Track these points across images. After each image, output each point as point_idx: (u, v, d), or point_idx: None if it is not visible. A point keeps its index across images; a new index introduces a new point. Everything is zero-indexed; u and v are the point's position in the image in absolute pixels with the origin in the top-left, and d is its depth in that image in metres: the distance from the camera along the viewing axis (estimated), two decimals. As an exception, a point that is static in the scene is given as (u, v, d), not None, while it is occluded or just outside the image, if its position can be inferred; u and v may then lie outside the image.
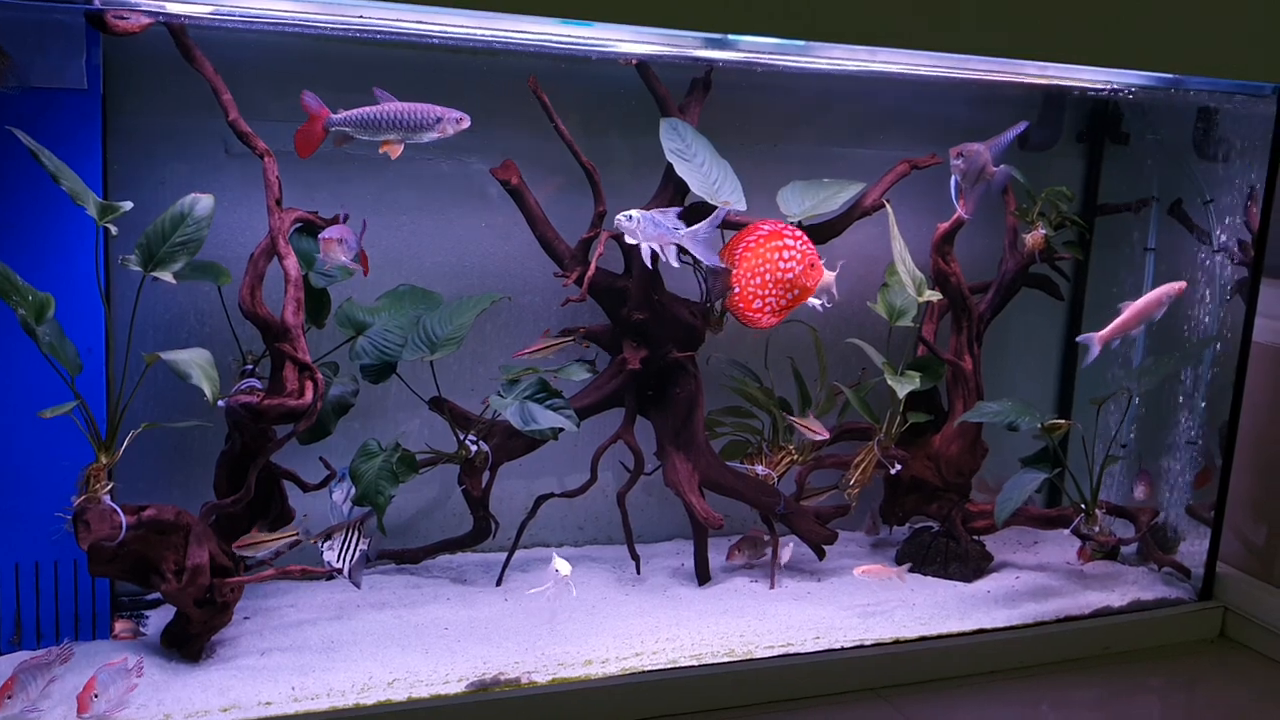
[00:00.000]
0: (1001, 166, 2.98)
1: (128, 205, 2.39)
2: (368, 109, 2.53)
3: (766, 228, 2.97)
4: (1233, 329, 3.31)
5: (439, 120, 2.55)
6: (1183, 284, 3.21)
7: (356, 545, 2.68)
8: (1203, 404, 3.47)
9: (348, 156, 2.62)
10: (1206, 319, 3.46)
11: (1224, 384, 3.34)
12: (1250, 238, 3.28)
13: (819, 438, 3.17)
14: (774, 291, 2.96)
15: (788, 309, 3.02)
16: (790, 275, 2.96)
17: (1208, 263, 3.45)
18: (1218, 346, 3.39)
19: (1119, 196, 3.69)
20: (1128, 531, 3.50)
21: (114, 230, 2.39)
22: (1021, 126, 3.04)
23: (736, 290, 2.97)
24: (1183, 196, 3.53)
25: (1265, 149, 3.21)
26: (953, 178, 2.97)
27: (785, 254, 2.96)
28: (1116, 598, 3.28)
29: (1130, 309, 3.18)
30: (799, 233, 3.00)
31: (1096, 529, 3.30)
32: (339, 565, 2.67)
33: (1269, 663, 3.20)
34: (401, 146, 2.56)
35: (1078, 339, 3.27)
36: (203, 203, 2.50)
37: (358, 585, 2.74)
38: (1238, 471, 3.35)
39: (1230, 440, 3.32)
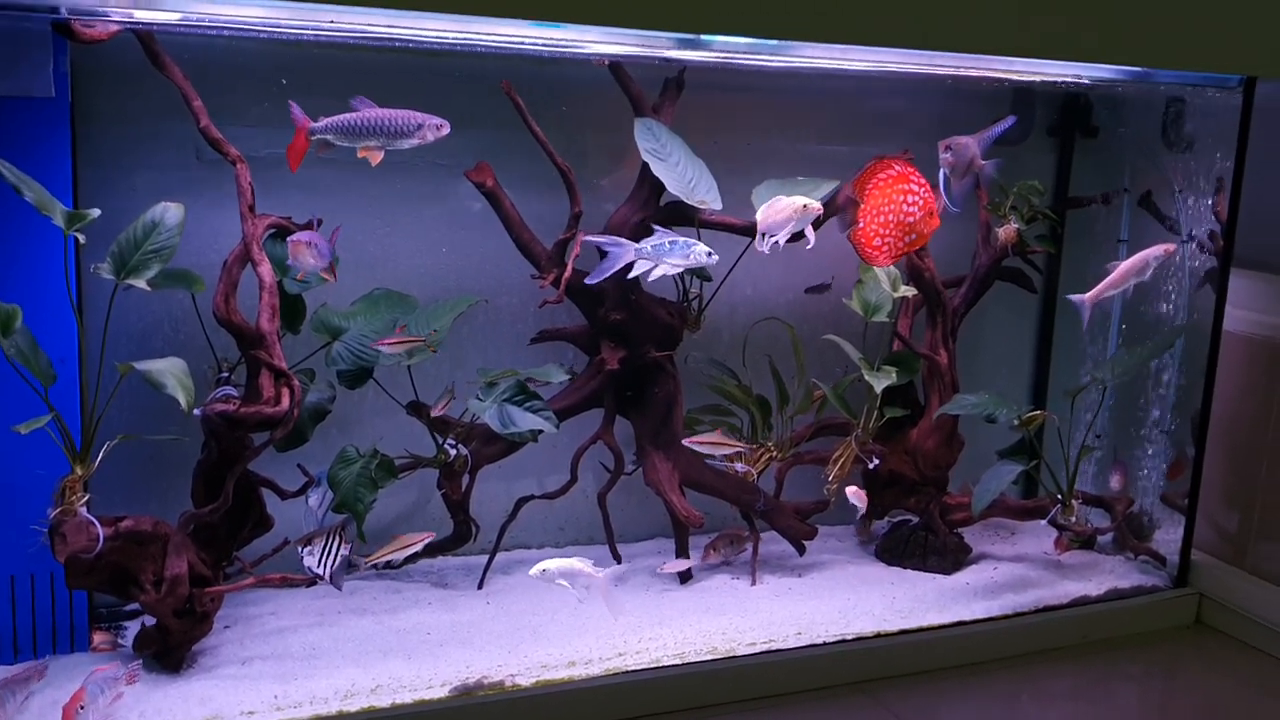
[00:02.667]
0: (989, 160, 3.01)
1: (95, 213, 2.36)
2: (348, 115, 2.52)
3: (896, 168, 2.99)
4: (1203, 318, 3.35)
5: (419, 126, 2.55)
6: (1172, 246, 3.21)
7: (338, 550, 2.68)
8: (1175, 393, 3.50)
9: (321, 161, 2.61)
10: (1177, 309, 3.49)
11: (1195, 373, 3.37)
12: (1220, 228, 3.32)
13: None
14: (894, 233, 2.98)
15: (902, 253, 3.04)
16: (911, 220, 2.97)
17: (1178, 253, 3.48)
18: (1188, 335, 3.43)
19: (1090, 190, 3.72)
20: (1104, 521, 3.53)
21: (82, 239, 2.36)
22: (1010, 121, 3.06)
23: (860, 225, 2.99)
24: (1152, 188, 3.56)
25: (1233, 140, 3.24)
26: (941, 171, 2.98)
27: (909, 198, 2.97)
28: (1094, 587, 3.31)
29: (1118, 269, 3.17)
30: (923, 179, 3.01)
31: (1073, 519, 3.32)
32: (319, 570, 2.66)
33: (1244, 647, 3.24)
34: (382, 153, 2.55)
35: (1068, 296, 3.26)
36: (173, 211, 2.49)
37: (339, 588, 2.73)
38: (1210, 459, 3.38)
39: (1202, 429, 3.36)
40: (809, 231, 2.94)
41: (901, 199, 2.98)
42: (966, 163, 2.98)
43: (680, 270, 2.86)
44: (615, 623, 2.80)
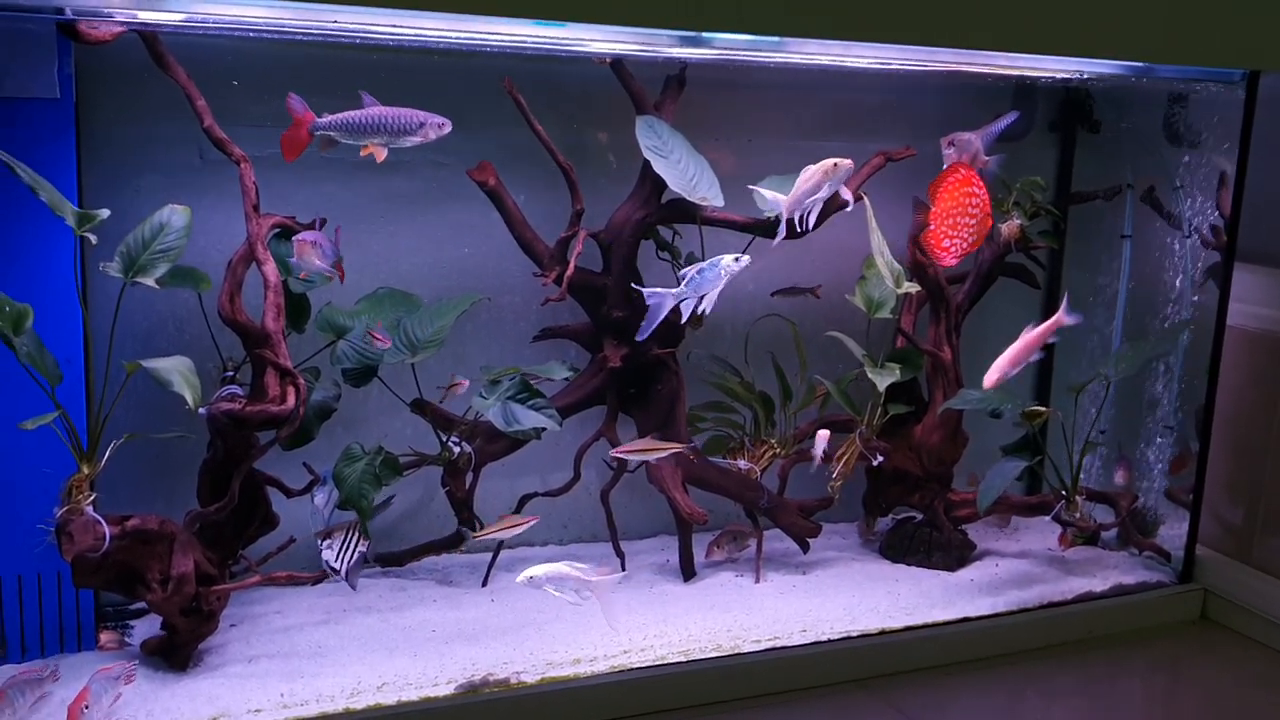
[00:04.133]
0: (992, 156, 3.01)
1: (105, 213, 2.38)
2: (352, 113, 2.53)
3: (962, 172, 3.04)
4: (1207, 313, 3.35)
5: (422, 125, 2.56)
6: (1068, 319, 3.06)
7: (355, 546, 2.69)
8: (1179, 388, 3.50)
9: (324, 160, 2.62)
10: (1182, 304, 3.49)
11: (1199, 368, 3.37)
12: (1223, 222, 3.32)
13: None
14: (962, 234, 3.06)
15: (966, 253, 3.12)
16: (974, 221, 3.06)
17: (1181, 248, 3.48)
18: (1191, 330, 3.43)
19: (1092, 185, 3.72)
20: (1108, 517, 3.53)
21: (94, 239, 2.38)
22: (1013, 116, 3.06)
23: (931, 227, 3.05)
24: (1155, 183, 3.55)
25: (1236, 134, 3.24)
26: (944, 167, 2.99)
27: (973, 200, 3.05)
28: (1098, 583, 3.31)
29: (1018, 347, 3.02)
30: (982, 183, 3.07)
31: (1077, 515, 3.32)
32: (337, 565, 2.67)
33: (1249, 643, 3.24)
34: (385, 151, 2.56)
35: (965, 394, 3.17)
36: (180, 214, 2.50)
37: (353, 587, 2.74)
38: (1215, 454, 3.38)
39: (1206, 423, 3.36)
40: (844, 191, 2.90)
41: (967, 201, 3.03)
42: (970, 158, 2.99)
43: (721, 287, 2.81)
44: (617, 633, 2.79)
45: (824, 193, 2.89)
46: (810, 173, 2.88)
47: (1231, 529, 3.45)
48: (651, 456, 3.00)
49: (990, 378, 2.84)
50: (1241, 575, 3.35)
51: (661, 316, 2.78)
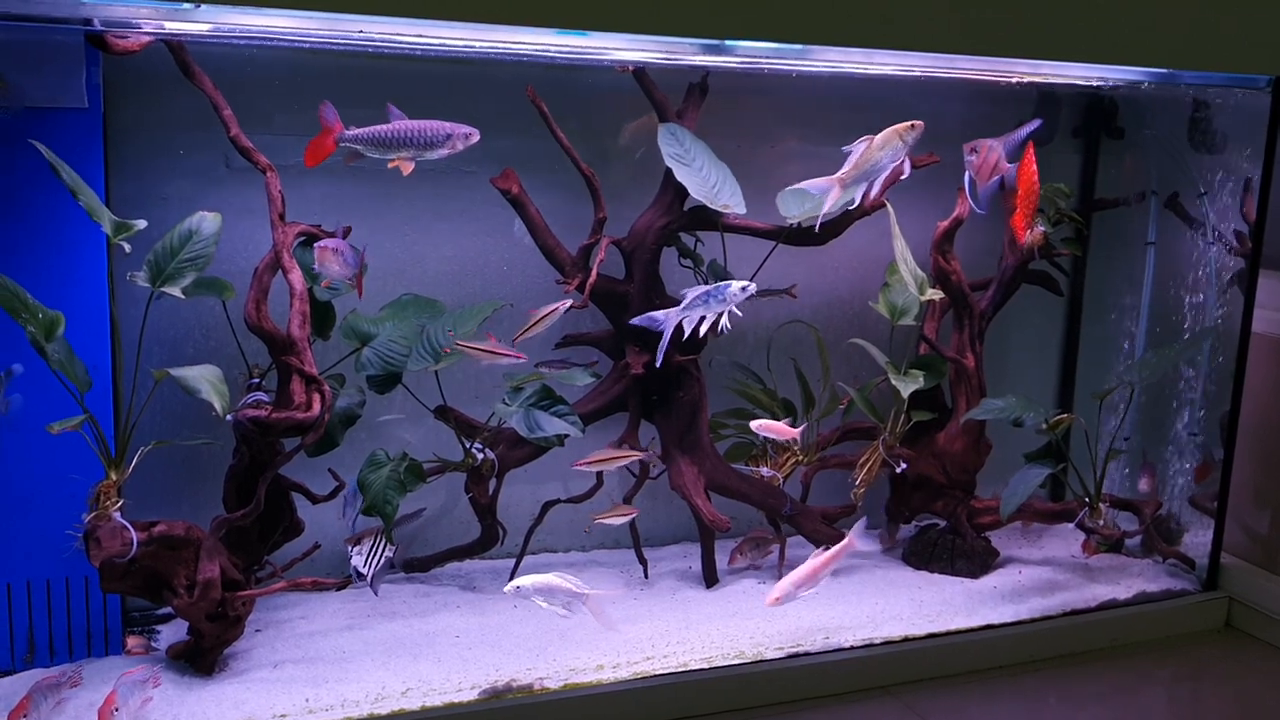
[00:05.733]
0: (1014, 163, 3.01)
1: (142, 223, 2.42)
2: (379, 127, 2.54)
3: (1030, 155, 3.11)
4: (1231, 320, 3.33)
5: (449, 136, 2.56)
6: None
7: (382, 552, 2.71)
8: (1203, 395, 3.48)
9: (349, 169, 2.64)
10: (1206, 311, 3.47)
11: (1224, 375, 3.36)
12: (1248, 229, 3.30)
13: (786, 438, 3.07)
14: (1031, 215, 3.17)
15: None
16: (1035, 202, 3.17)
17: (1205, 255, 3.46)
18: (1216, 337, 3.41)
19: (1115, 191, 3.71)
20: (1132, 524, 3.51)
21: (128, 248, 2.40)
22: (1036, 123, 3.06)
23: (1016, 209, 3.13)
24: (1179, 190, 3.54)
25: (1261, 140, 3.22)
26: (966, 174, 2.98)
27: (1035, 179, 3.14)
28: (1122, 590, 3.30)
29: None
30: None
31: (1101, 522, 3.31)
32: (365, 570, 2.69)
33: (1275, 651, 3.22)
34: (413, 164, 2.56)
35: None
36: (210, 221, 2.53)
37: (375, 592, 2.76)
38: (1240, 461, 3.36)
39: (1231, 431, 3.34)
40: (907, 163, 2.78)
41: (1033, 183, 3.13)
42: (991, 165, 2.98)
43: (727, 310, 2.76)
44: (622, 635, 2.80)
45: (892, 156, 2.72)
46: (879, 140, 2.70)
47: (1257, 536, 3.43)
48: (610, 466, 3.01)
49: (771, 598, 2.69)
50: (1267, 583, 3.32)
51: (668, 337, 2.76)
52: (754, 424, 3.00)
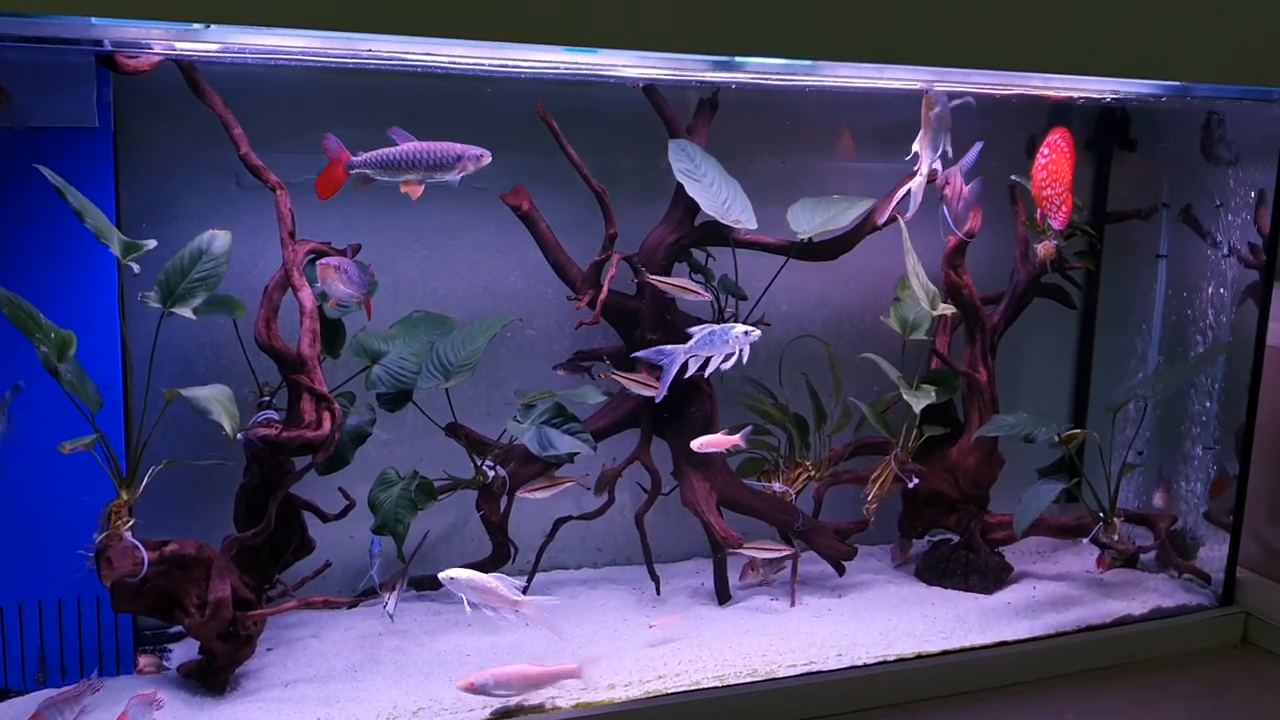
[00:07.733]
0: (973, 182, 3.06)
1: (151, 244, 2.41)
2: (388, 150, 2.53)
3: (1063, 143, 3.14)
4: (1246, 333, 3.31)
5: (459, 158, 2.55)
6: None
7: (402, 588, 2.78)
8: (1218, 409, 3.46)
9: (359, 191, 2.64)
10: (1219, 324, 3.45)
11: (1238, 389, 3.33)
12: (1262, 241, 3.28)
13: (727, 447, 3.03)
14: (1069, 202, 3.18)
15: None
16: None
17: (1219, 267, 3.44)
18: (1230, 350, 3.39)
19: (1128, 203, 3.69)
20: (1147, 539, 3.49)
21: (136, 269, 2.40)
22: (978, 147, 3.05)
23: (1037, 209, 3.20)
24: (1192, 202, 3.52)
25: (1275, 152, 3.21)
26: (941, 208, 3.02)
27: (1040, 178, 3.17)
28: (1137, 606, 3.27)
29: None
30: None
31: (1115, 537, 3.29)
32: (391, 610, 2.76)
33: (1293, 667, 3.20)
34: (423, 187, 2.56)
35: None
36: (221, 239, 2.52)
37: (391, 618, 2.81)
38: (1255, 475, 3.34)
39: (1246, 444, 3.31)
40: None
41: (1040, 180, 3.16)
42: (957, 192, 3.03)
43: (729, 351, 2.82)
44: (654, 644, 2.79)
45: (940, 125, 2.90)
46: (924, 119, 2.90)
47: (1273, 551, 3.40)
48: (548, 493, 3.00)
49: (465, 681, 2.57)
50: (1284, 598, 3.30)
51: (674, 371, 2.79)
52: (693, 443, 2.99)
